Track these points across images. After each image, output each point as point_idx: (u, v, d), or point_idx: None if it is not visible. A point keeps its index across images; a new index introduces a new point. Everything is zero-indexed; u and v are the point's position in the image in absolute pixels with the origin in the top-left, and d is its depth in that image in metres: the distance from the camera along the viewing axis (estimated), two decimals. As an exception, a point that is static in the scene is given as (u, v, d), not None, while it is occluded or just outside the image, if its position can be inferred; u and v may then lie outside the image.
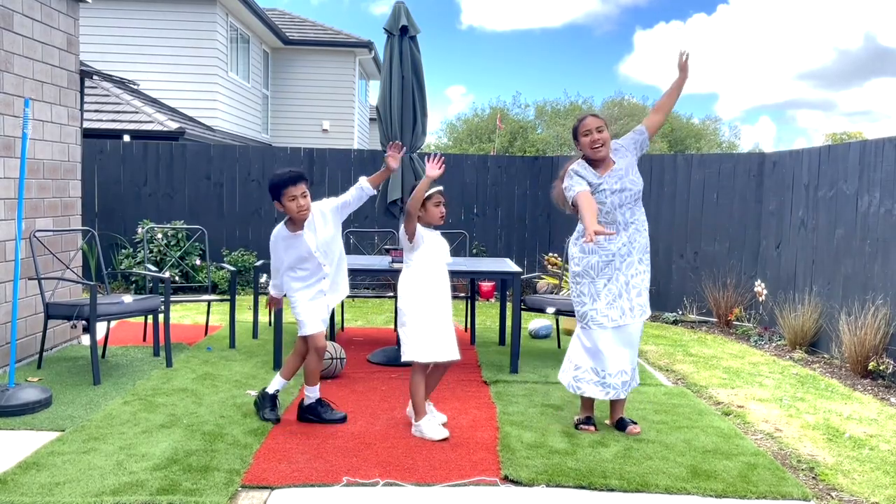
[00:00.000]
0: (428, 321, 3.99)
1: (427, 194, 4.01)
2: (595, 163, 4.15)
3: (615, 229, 4.10)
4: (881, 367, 5.63)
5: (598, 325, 4.10)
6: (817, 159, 6.92)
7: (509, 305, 6.90)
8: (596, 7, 67.52)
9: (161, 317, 5.58)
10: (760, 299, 7.68)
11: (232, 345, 6.22)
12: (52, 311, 5.04)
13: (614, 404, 4.28)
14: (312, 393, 4.23)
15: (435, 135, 36.03)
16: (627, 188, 4.10)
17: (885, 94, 62.46)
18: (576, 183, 4.04)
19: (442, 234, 4.22)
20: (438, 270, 4.10)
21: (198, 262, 9.03)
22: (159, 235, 8.95)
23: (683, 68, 4.18)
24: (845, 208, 6.41)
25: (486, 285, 8.83)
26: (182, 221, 9.44)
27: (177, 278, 8.72)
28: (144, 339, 6.33)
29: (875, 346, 5.69)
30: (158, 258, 8.82)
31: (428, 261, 4.06)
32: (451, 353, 4.02)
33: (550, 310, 5.84)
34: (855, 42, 64.08)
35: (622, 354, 4.12)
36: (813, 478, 3.69)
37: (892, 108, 57.99)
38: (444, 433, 3.98)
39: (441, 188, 4.11)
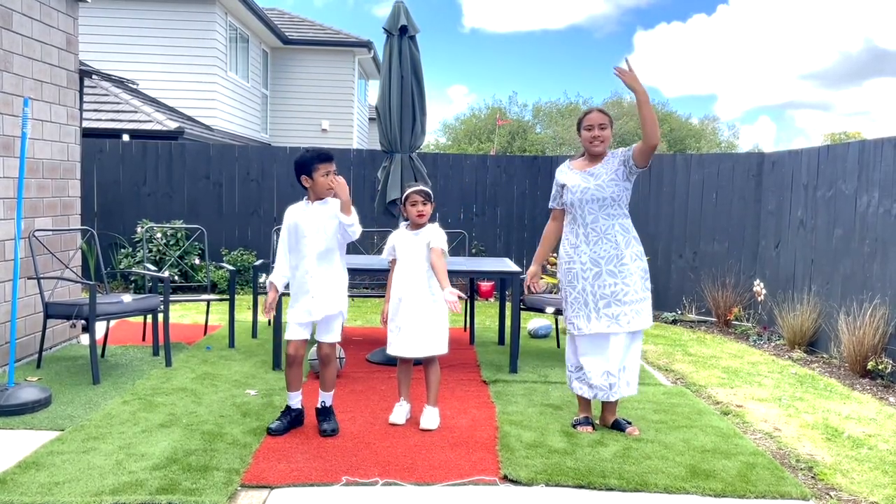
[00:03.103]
0: (391, 317, 4.25)
1: (405, 195, 4.30)
2: (590, 157, 4.24)
3: (575, 233, 4.16)
4: (880, 367, 5.63)
5: (569, 331, 4.23)
6: (816, 159, 6.92)
7: (509, 305, 6.89)
8: (597, 8, 67.62)
9: (160, 316, 5.58)
10: (759, 299, 7.69)
11: (231, 344, 6.22)
12: (52, 311, 5.04)
13: (605, 406, 4.28)
14: (291, 400, 4.13)
15: (434, 134, 36.07)
16: (592, 190, 4.08)
17: (883, 94, 62.54)
18: (552, 198, 4.32)
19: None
20: (406, 271, 4.22)
21: (197, 261, 9.03)
22: (158, 235, 8.95)
23: (632, 81, 3.92)
24: (844, 208, 6.41)
25: (485, 285, 8.83)
26: (181, 221, 9.44)
27: (176, 278, 8.72)
28: (144, 339, 6.33)
29: (874, 346, 5.69)
30: (158, 258, 8.82)
31: (399, 262, 4.28)
32: (400, 349, 4.21)
33: (550, 309, 5.84)
34: (855, 45, 64.15)
35: (599, 360, 4.12)
36: (812, 477, 3.70)
37: (891, 108, 58.05)
38: (396, 420, 4.25)
39: (420, 187, 4.28)
